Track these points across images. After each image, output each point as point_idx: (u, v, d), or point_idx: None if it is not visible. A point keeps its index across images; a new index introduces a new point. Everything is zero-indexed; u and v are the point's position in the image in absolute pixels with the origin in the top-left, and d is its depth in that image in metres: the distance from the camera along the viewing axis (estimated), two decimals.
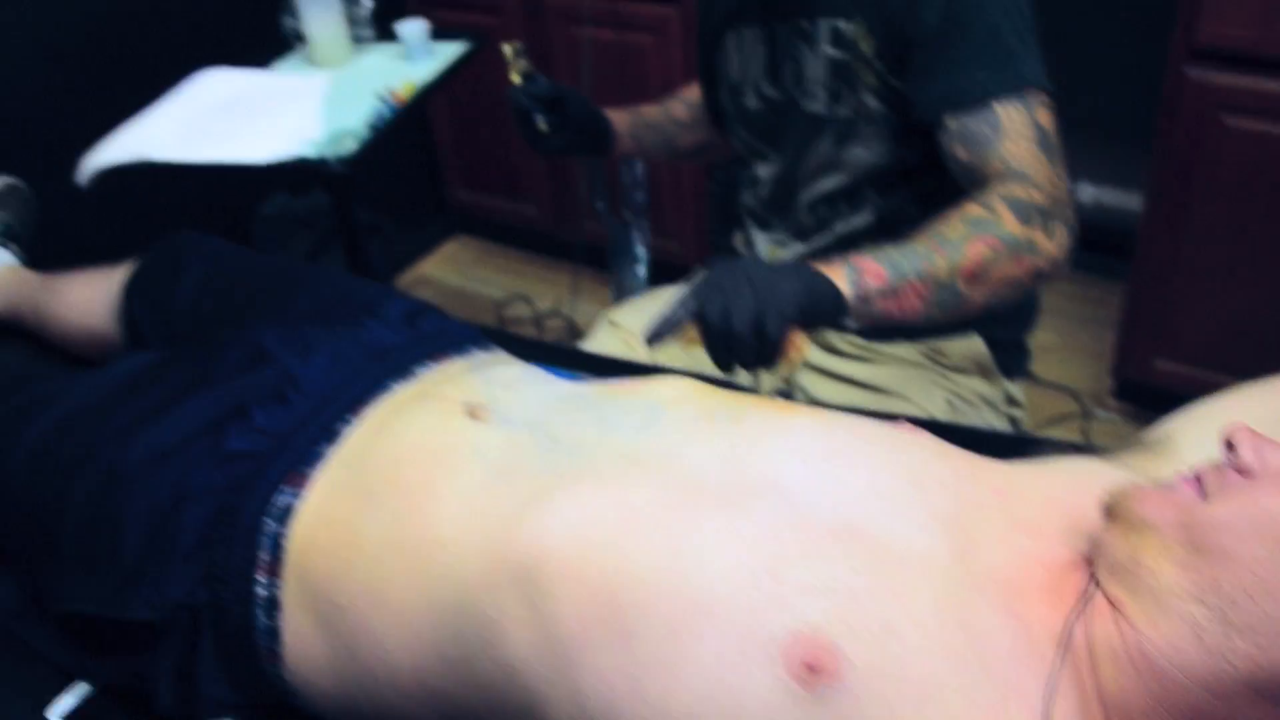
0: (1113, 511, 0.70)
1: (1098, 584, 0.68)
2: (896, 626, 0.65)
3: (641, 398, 0.87)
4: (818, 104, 1.25)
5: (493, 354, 1.07)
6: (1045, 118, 1.11)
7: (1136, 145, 2.26)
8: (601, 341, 1.46)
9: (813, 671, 0.63)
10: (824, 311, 0.93)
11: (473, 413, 0.88)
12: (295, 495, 0.87)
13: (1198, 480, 0.68)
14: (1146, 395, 2.29)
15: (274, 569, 0.86)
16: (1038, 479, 0.81)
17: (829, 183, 1.29)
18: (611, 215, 1.99)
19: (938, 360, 1.34)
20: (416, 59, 1.98)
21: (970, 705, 0.63)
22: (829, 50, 1.21)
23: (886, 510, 0.73)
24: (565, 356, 1.33)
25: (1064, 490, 0.79)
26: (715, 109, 1.48)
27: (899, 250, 0.99)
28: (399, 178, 3.00)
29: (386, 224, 2.75)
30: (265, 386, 0.96)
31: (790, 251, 1.38)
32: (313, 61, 2.04)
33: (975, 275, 1.00)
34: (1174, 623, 0.63)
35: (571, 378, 0.96)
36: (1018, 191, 1.04)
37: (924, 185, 1.27)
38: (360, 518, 0.84)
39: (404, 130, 1.76)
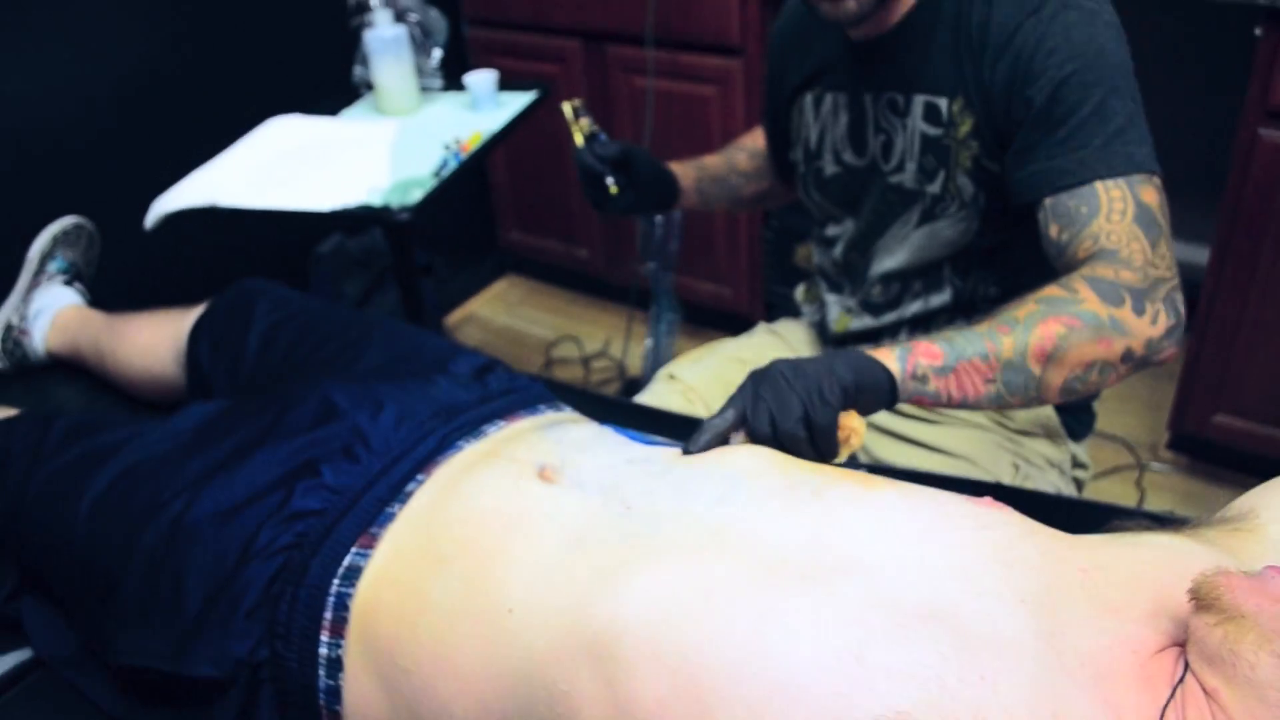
0: (1204, 599, 0.67)
1: (1191, 672, 0.66)
2: (987, 714, 0.63)
3: (720, 467, 0.85)
4: (905, 177, 1.22)
5: (562, 412, 1.07)
6: (1151, 196, 1.05)
7: (1203, 200, 2.23)
8: (660, 395, 1.45)
9: None
10: (872, 392, 0.91)
11: (544, 475, 0.88)
12: (364, 556, 0.87)
13: None
14: (1202, 449, 2.25)
15: (338, 629, 0.85)
16: (1123, 557, 0.78)
17: (905, 257, 1.27)
18: (660, 273, 2.00)
19: (1004, 424, 1.32)
20: (483, 109, 1.99)
21: None
22: (923, 126, 1.19)
23: (973, 591, 0.71)
24: (634, 414, 1.32)
25: (1151, 569, 0.76)
26: (782, 165, 1.47)
27: (960, 332, 0.97)
28: (454, 218, 3.03)
29: (439, 263, 2.76)
30: (335, 443, 0.96)
31: (860, 323, 1.37)
32: (381, 110, 2.05)
33: (1048, 355, 0.95)
34: (1273, 714, 0.61)
35: (643, 440, 0.96)
36: (1103, 271, 1.00)
37: (1006, 267, 1.25)
38: (429, 581, 0.83)
39: (463, 174, 1.76)
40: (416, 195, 1.68)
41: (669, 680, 0.68)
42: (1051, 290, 0.99)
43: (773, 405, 0.87)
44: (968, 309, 1.29)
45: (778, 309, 2.61)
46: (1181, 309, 1.02)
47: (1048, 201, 1.07)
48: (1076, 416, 1.37)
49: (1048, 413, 1.32)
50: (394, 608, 0.84)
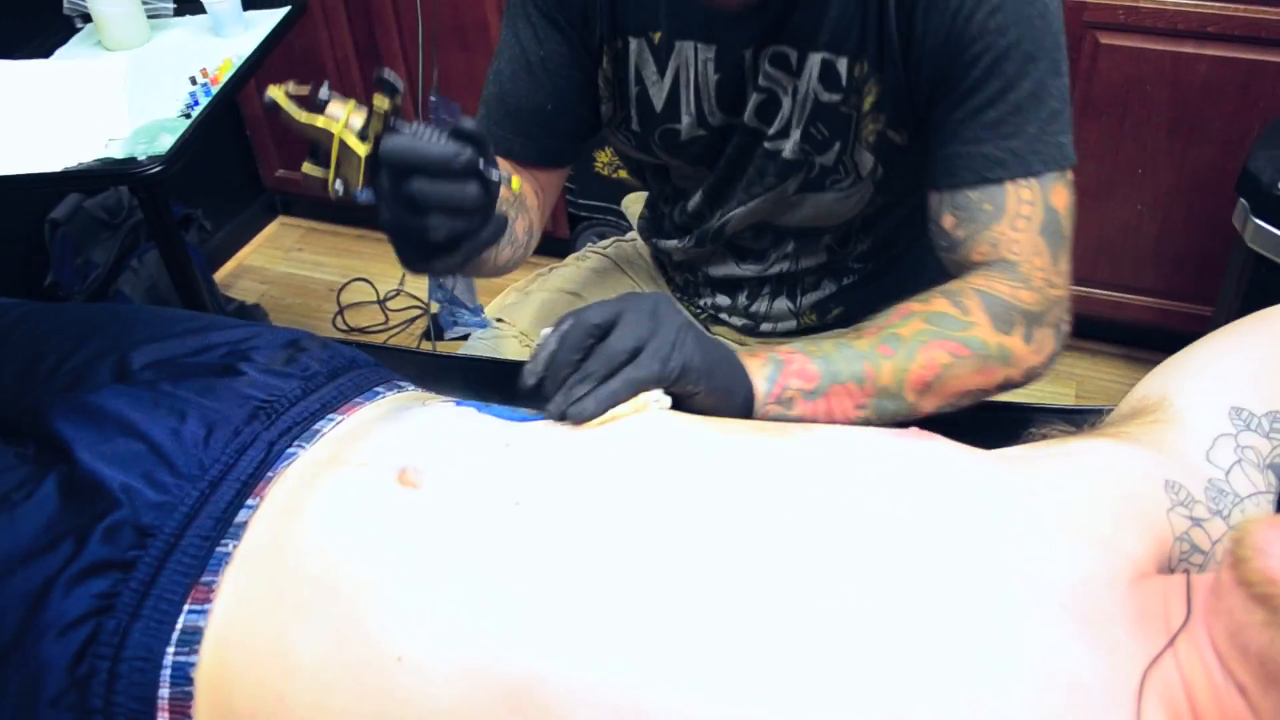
0: (1252, 582, 0.58)
1: (1221, 662, 0.60)
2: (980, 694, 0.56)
3: (613, 444, 0.72)
4: (787, 146, 1.03)
5: (405, 392, 0.90)
6: (1061, 198, 0.93)
7: None
8: (492, 345, 1.28)
9: None
10: (717, 395, 0.80)
11: (405, 479, 0.72)
12: (201, 613, 0.69)
13: None
14: None
15: (181, 708, 0.68)
16: (1067, 473, 0.73)
17: (779, 222, 1.13)
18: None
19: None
20: (228, 32, 1.74)
21: None
22: (817, 89, 0.99)
23: (937, 537, 0.64)
24: (483, 374, 1.14)
25: (1100, 485, 0.71)
26: (571, 125, 1.12)
27: (839, 346, 0.86)
28: (209, 160, 2.70)
29: (199, 213, 2.48)
30: (129, 468, 0.76)
31: (722, 270, 1.23)
32: (105, 45, 1.79)
33: (927, 384, 0.86)
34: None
35: (514, 417, 0.80)
36: (1000, 287, 0.90)
37: (883, 229, 1.15)
38: (289, 634, 0.66)
39: (216, 109, 1.53)
40: (166, 142, 1.44)
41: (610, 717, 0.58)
42: (941, 304, 0.89)
43: (636, 322, 0.76)
44: (839, 272, 1.20)
45: (582, 223, 2.48)
46: (1066, 328, 0.94)
47: (946, 192, 0.95)
48: None
49: None
50: (251, 672, 0.67)
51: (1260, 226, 1.57)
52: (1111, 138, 1.93)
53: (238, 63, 1.63)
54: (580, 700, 0.58)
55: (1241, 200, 1.61)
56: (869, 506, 0.67)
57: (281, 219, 3.00)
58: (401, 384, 0.91)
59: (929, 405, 0.87)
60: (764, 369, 0.83)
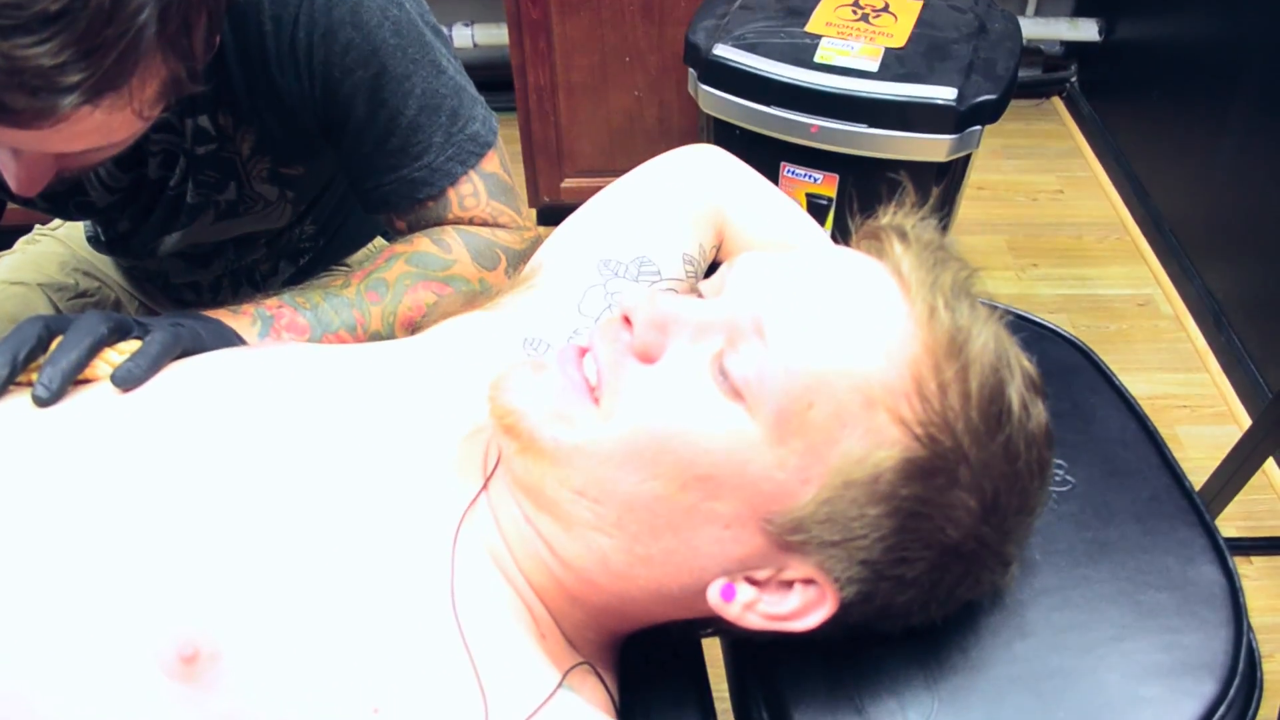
0: (498, 416, 0.61)
1: (514, 497, 0.62)
2: (279, 579, 0.57)
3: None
4: (188, 192, 1.00)
5: None
6: (493, 163, 0.96)
7: None
8: None
9: (189, 662, 0.53)
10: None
11: None
12: None
13: (581, 354, 0.62)
14: (563, 214, 2.40)
15: None
16: (427, 349, 0.74)
17: (213, 239, 1.11)
18: None
19: None
20: None
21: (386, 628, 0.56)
22: (193, 144, 0.96)
23: (259, 451, 0.63)
24: None
25: (457, 354, 0.73)
26: None
27: (327, 295, 0.86)
28: None
29: None
30: None
31: (181, 279, 1.19)
32: None
33: (415, 324, 0.88)
34: (580, 549, 0.59)
35: None
36: (480, 230, 0.94)
37: (323, 210, 1.15)
38: None
39: None
40: None
41: None
42: (423, 244, 0.91)
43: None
44: (292, 255, 1.20)
45: None
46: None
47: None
48: None
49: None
50: None
51: (706, 91, 1.73)
52: (594, 31, 2.04)
53: None
54: None
55: (690, 69, 1.76)
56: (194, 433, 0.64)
57: None
58: None
59: None
60: (253, 327, 0.81)
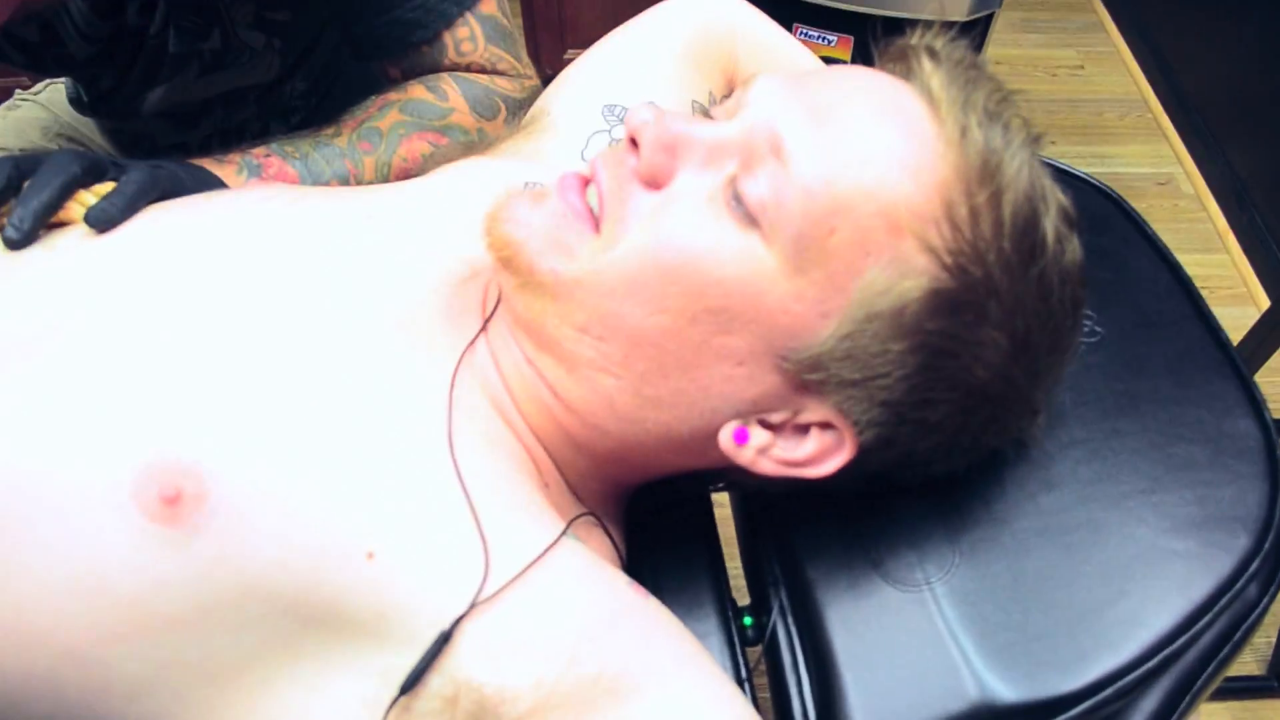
0: (495, 249, 0.57)
1: (513, 336, 0.59)
2: (271, 415, 0.52)
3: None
4: (169, 40, 0.95)
5: None
6: (491, 5, 0.90)
7: None
8: None
9: (172, 504, 0.49)
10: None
11: None
12: None
13: (584, 183, 0.57)
14: None
15: None
16: (409, 191, 0.69)
17: (200, 96, 1.05)
18: None
19: None
20: None
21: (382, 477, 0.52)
22: None
23: (249, 286, 0.58)
24: None
25: (451, 199, 0.68)
26: None
27: (316, 145, 0.81)
28: None
29: None
30: None
31: (168, 140, 1.13)
32: None
33: (410, 174, 0.83)
34: (584, 391, 0.56)
35: None
36: (479, 77, 0.88)
37: (315, 67, 1.09)
38: None
39: None
40: None
41: None
42: (419, 92, 0.85)
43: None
44: (283, 114, 1.13)
45: None
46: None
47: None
48: None
49: None
50: None
51: None
52: None
53: None
54: None
55: None
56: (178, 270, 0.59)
57: None
58: None
59: None
60: (238, 175, 0.78)
